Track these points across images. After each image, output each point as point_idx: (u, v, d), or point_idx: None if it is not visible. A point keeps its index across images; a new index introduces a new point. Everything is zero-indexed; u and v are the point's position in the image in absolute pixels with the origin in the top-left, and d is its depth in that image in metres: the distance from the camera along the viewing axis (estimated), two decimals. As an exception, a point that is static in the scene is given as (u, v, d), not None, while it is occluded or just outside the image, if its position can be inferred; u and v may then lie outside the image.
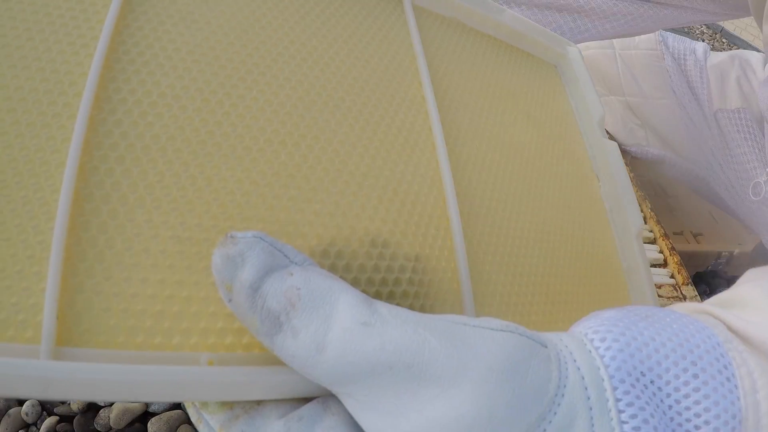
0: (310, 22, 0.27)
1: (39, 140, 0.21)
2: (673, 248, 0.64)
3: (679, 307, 0.27)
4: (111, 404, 0.94)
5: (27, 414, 0.93)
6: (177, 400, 0.19)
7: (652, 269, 0.62)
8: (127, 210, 0.21)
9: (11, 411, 0.94)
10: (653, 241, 0.67)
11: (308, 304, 0.18)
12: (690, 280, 0.59)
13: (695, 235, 0.88)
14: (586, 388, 0.19)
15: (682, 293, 0.58)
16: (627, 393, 0.19)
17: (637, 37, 0.72)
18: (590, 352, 0.20)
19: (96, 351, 0.19)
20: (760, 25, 0.47)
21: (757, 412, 0.20)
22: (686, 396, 0.20)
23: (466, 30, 0.33)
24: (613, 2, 0.56)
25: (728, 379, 0.20)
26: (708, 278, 0.87)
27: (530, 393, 0.18)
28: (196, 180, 0.21)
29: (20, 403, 0.95)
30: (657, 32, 0.71)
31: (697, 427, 0.19)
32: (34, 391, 0.17)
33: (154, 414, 0.94)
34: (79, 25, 0.23)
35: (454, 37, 0.31)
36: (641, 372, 0.20)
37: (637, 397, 0.19)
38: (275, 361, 0.18)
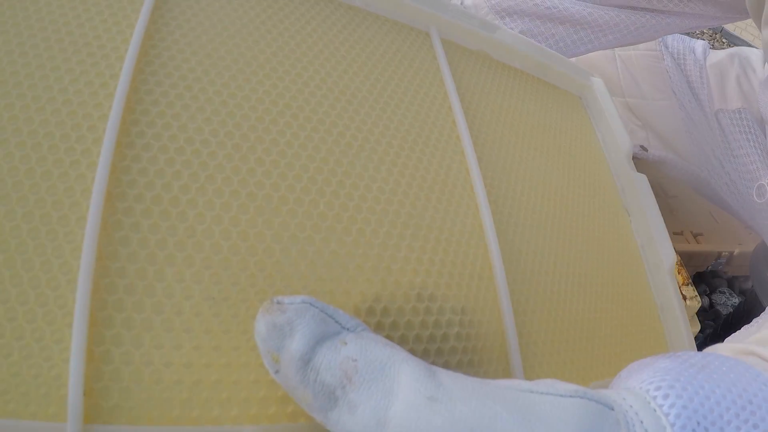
0: (341, 58, 0.25)
1: (56, 192, 0.19)
2: (672, 248, 0.63)
3: (723, 348, 0.26)
4: None
5: None
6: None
7: None
8: (157, 269, 0.19)
9: None
10: None
11: (366, 377, 0.16)
12: (690, 280, 0.58)
13: (695, 235, 0.88)
14: None
15: (682, 293, 0.57)
16: None
17: None
18: (654, 411, 0.19)
19: (128, 428, 0.17)
20: (759, 27, 0.47)
21: None
22: None
23: (493, 64, 0.32)
24: (615, 13, 0.55)
25: None
26: (708, 278, 0.88)
27: None
28: (230, 235, 0.20)
29: None
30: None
31: None
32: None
33: None
34: (98, 62, 0.22)
35: (483, 71, 0.30)
36: (705, 428, 0.19)
37: None
38: None
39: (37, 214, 0.19)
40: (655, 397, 0.19)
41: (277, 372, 0.17)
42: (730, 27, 2.88)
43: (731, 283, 0.86)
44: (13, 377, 0.16)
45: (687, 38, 0.73)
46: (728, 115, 0.67)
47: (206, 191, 0.20)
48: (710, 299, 0.81)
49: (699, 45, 0.71)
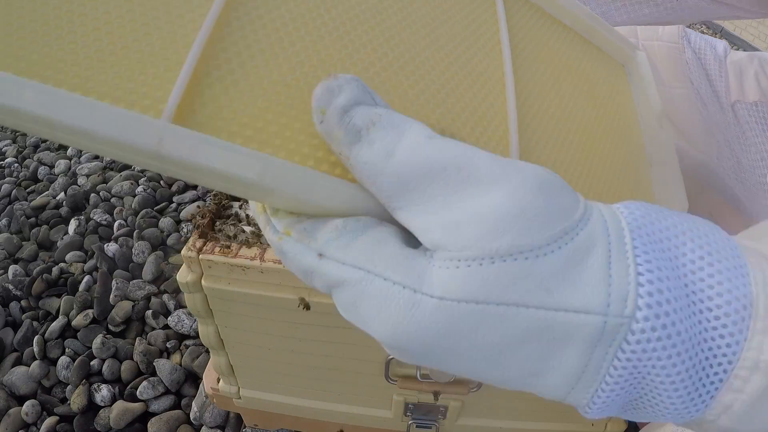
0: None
1: None
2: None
3: None
4: (111, 405, 0.93)
5: (27, 414, 0.92)
6: (263, 191, 0.21)
7: None
8: (257, 50, 0.24)
9: (11, 411, 0.93)
10: None
11: (386, 125, 0.21)
12: None
13: None
14: (608, 229, 0.21)
15: None
16: (644, 246, 0.20)
17: (660, 29, 0.75)
18: (615, 211, 0.22)
19: (207, 137, 0.21)
20: None
21: None
22: (700, 269, 0.21)
23: (545, 15, 0.36)
24: None
25: (741, 267, 0.21)
26: None
27: (557, 210, 0.20)
28: (308, 50, 0.25)
29: (20, 403, 0.94)
30: (680, 27, 0.75)
31: (710, 298, 0.20)
32: (149, 141, 0.19)
33: (154, 414, 0.92)
34: None
35: (534, 18, 0.35)
36: (659, 239, 0.21)
37: (654, 255, 0.20)
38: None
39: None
40: (618, 207, 0.22)
41: (321, 122, 0.22)
42: (729, 27, 2.88)
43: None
44: (128, 72, 0.21)
45: (708, 37, 0.77)
46: (746, 106, 0.70)
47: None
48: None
49: (720, 44, 0.75)
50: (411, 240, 0.22)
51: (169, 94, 0.21)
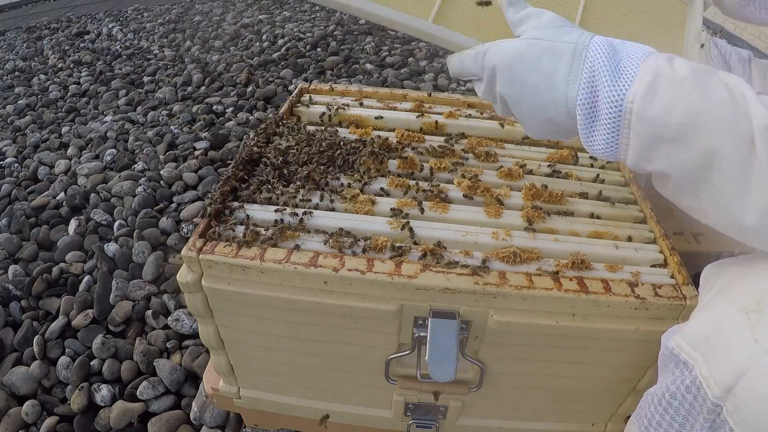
0: None
1: None
2: (673, 248, 0.64)
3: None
4: (111, 405, 0.93)
5: (27, 414, 0.92)
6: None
7: (652, 269, 0.62)
8: None
9: (11, 411, 0.93)
10: (653, 241, 0.67)
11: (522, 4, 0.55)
12: (690, 280, 0.58)
13: (695, 235, 0.88)
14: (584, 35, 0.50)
15: (682, 293, 0.58)
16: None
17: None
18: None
19: None
20: None
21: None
22: (624, 46, 0.47)
23: None
24: None
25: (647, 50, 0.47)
26: None
27: (566, 24, 0.52)
28: None
29: (20, 403, 0.94)
30: (707, 33, 0.77)
31: (625, 46, 0.47)
32: None
33: (154, 414, 0.92)
34: None
35: None
36: (616, 52, 0.47)
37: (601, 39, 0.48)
38: None
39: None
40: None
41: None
42: (730, 27, 2.91)
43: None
44: None
45: (735, 48, 0.79)
46: None
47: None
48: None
49: (745, 52, 0.77)
50: None
51: None
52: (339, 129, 0.84)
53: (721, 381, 0.39)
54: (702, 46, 0.73)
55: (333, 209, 0.68)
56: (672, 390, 0.44)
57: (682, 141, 0.41)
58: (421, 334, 0.60)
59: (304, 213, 0.65)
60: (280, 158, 0.74)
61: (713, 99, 0.40)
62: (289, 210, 0.66)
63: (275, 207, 0.66)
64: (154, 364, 0.99)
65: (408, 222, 0.64)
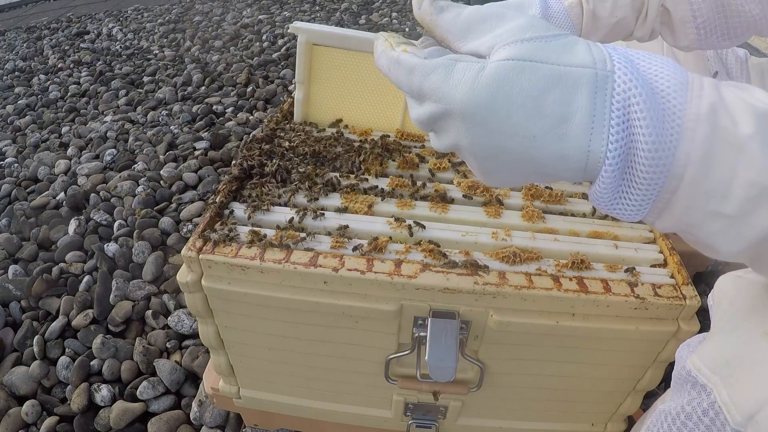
0: None
1: None
2: (673, 248, 0.64)
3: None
4: (111, 404, 0.93)
5: (27, 414, 0.92)
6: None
7: (652, 269, 0.62)
8: None
9: (11, 411, 0.93)
10: (653, 241, 0.67)
11: (455, 4, 0.36)
12: (690, 280, 0.59)
13: None
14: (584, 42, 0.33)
15: (682, 293, 0.58)
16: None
17: None
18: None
19: None
20: None
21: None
22: (650, 62, 0.33)
23: None
24: None
25: (679, 68, 0.32)
26: (708, 278, 0.87)
27: (552, 26, 0.34)
28: None
29: (20, 403, 0.94)
30: None
31: (657, 76, 0.32)
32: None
33: (154, 414, 0.92)
34: None
35: None
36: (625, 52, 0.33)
37: (616, 49, 0.33)
38: None
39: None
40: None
41: (419, 9, 0.37)
42: None
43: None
44: None
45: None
46: None
47: None
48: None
49: (741, 51, 0.76)
50: None
51: None
52: (339, 129, 0.84)
53: (742, 408, 0.38)
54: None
55: (333, 209, 0.68)
56: (688, 411, 0.43)
57: (742, 217, 0.32)
58: (421, 334, 0.60)
59: (304, 213, 0.65)
60: (281, 158, 0.74)
61: None
62: (289, 210, 0.66)
63: (275, 207, 0.66)
64: (154, 364, 0.99)
65: (407, 222, 0.64)
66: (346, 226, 0.63)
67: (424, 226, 0.64)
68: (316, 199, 0.68)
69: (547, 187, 0.73)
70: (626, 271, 0.60)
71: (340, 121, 0.85)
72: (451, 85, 0.32)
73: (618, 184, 0.33)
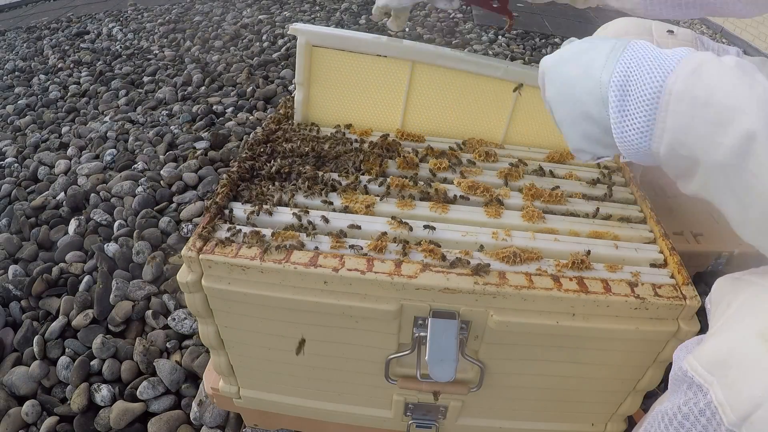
0: None
1: None
2: (673, 248, 0.64)
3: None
4: (111, 404, 0.93)
5: (27, 414, 0.92)
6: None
7: (652, 269, 0.62)
8: None
9: (11, 411, 0.93)
10: (653, 241, 0.67)
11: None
12: (690, 280, 0.59)
13: (695, 235, 0.89)
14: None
15: (682, 293, 0.58)
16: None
17: (676, 28, 0.77)
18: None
19: None
20: None
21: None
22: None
23: None
24: None
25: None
26: (708, 278, 0.87)
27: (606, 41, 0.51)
28: None
29: (20, 403, 0.94)
30: (694, 33, 0.77)
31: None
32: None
33: (154, 414, 0.92)
34: None
35: None
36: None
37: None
38: None
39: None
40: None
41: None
42: (730, 27, 2.92)
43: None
44: None
45: (722, 44, 0.79)
46: None
47: None
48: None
49: (732, 49, 0.76)
50: None
51: None
52: (340, 129, 0.84)
53: (737, 408, 0.39)
54: (670, 32, 0.74)
55: (333, 209, 0.68)
56: (684, 411, 0.43)
57: (722, 123, 0.40)
58: (421, 334, 0.60)
59: (304, 213, 0.65)
60: (281, 159, 0.74)
61: (758, 89, 0.40)
62: (289, 210, 0.66)
63: (276, 207, 0.66)
64: (154, 364, 0.99)
65: (407, 223, 0.64)
66: (359, 227, 0.63)
67: (434, 228, 0.64)
68: (313, 200, 0.68)
69: (555, 187, 0.73)
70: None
71: (349, 126, 0.85)
72: (547, 58, 0.56)
73: (623, 106, 0.46)
